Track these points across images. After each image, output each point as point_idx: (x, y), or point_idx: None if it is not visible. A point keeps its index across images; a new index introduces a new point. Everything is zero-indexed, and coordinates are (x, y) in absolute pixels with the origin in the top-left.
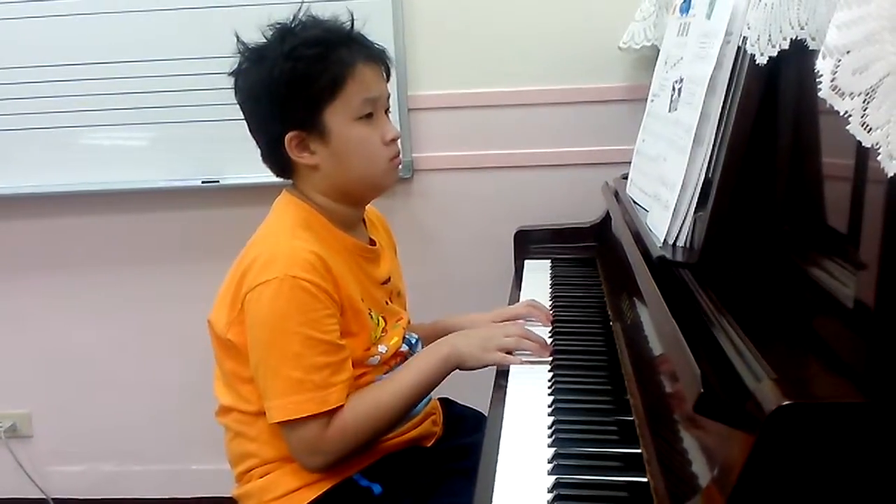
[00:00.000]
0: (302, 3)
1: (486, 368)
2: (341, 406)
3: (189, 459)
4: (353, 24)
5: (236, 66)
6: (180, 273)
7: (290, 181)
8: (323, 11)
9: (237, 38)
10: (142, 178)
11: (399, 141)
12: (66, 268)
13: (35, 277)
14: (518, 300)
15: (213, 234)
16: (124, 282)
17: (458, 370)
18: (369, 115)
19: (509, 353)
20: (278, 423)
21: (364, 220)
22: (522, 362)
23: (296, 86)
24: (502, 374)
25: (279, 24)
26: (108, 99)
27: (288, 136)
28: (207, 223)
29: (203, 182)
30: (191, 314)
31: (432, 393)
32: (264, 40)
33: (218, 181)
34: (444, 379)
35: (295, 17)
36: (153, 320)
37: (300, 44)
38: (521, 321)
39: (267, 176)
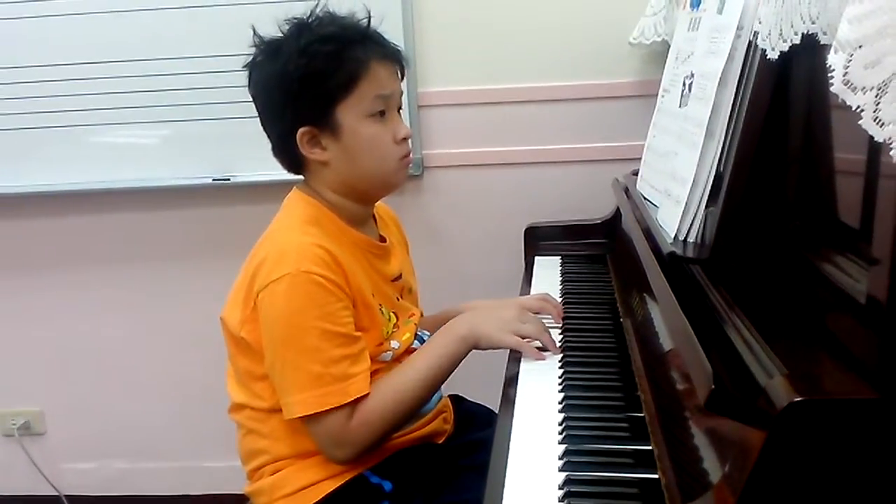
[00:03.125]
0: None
1: (498, 365)
2: (363, 396)
3: (201, 456)
4: (369, 21)
5: (251, 58)
6: (192, 271)
7: (300, 178)
8: (339, 8)
9: (253, 31)
10: (154, 176)
11: (410, 139)
12: (79, 266)
13: (48, 275)
14: None
15: (225, 232)
16: (136, 279)
17: (469, 369)
18: (381, 113)
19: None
20: (301, 418)
21: (375, 217)
22: (537, 353)
23: (309, 82)
24: (512, 371)
25: (296, 18)
26: (120, 97)
27: (299, 132)
28: (219, 221)
29: (214, 180)
30: (203, 311)
31: (443, 390)
32: (280, 34)
33: (229, 179)
34: (463, 359)
35: (312, 12)
36: (165, 318)
37: (316, 40)
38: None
39: (278, 173)
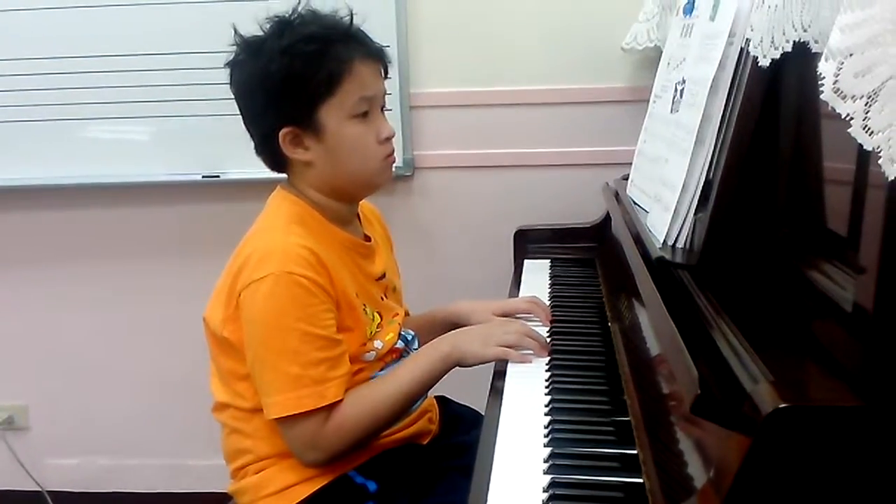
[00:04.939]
0: None
1: (484, 367)
2: (340, 401)
3: (185, 454)
4: (352, 19)
5: (232, 56)
6: (179, 267)
7: (285, 175)
8: (323, 6)
9: (234, 30)
10: (142, 172)
11: (394, 139)
12: (65, 261)
13: (34, 270)
14: None
15: (214, 229)
16: (123, 275)
17: (456, 368)
18: (365, 114)
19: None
20: (277, 419)
21: (359, 216)
22: (523, 356)
23: (292, 82)
24: (499, 373)
25: (277, 16)
26: (109, 92)
27: (282, 132)
28: (208, 218)
29: (204, 177)
30: (189, 309)
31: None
32: (262, 33)
33: (219, 176)
34: (443, 376)
35: (294, 10)
36: (151, 314)
37: (298, 40)
38: (522, 319)
39: (268, 171)
